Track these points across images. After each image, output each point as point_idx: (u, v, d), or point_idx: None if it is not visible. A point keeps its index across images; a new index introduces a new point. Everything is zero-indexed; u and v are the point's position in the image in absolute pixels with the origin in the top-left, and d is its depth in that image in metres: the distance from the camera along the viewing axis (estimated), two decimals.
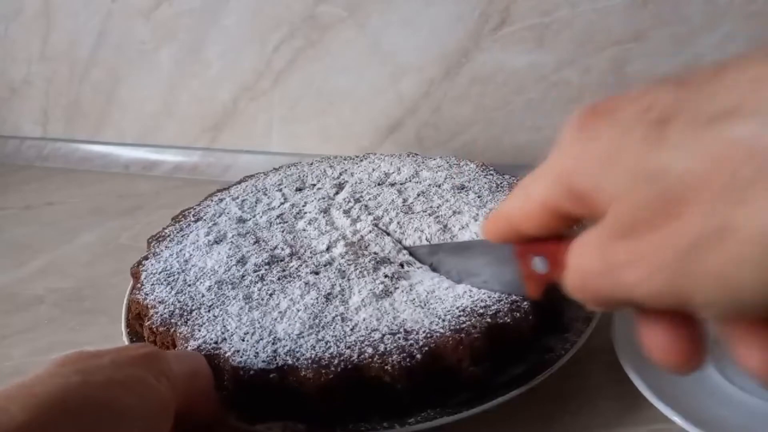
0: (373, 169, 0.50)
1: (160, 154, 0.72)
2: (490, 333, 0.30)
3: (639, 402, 0.31)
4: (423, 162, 0.50)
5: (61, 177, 0.74)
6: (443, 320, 0.31)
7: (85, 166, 0.76)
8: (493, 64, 0.55)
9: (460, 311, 0.31)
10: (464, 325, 0.30)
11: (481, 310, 0.31)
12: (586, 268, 0.19)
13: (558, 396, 0.33)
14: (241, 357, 0.30)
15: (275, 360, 0.29)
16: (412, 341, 0.30)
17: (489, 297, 0.32)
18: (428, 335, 0.30)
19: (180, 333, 0.32)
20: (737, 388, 0.31)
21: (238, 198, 0.47)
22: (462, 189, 0.45)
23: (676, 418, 0.28)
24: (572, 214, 0.20)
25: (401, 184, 0.47)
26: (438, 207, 0.42)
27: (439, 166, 0.49)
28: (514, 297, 0.32)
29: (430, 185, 0.46)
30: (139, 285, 0.38)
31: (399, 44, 0.57)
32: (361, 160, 0.52)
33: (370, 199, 0.45)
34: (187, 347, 0.31)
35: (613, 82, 0.51)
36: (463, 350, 0.29)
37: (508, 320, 0.31)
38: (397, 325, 0.31)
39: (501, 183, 0.45)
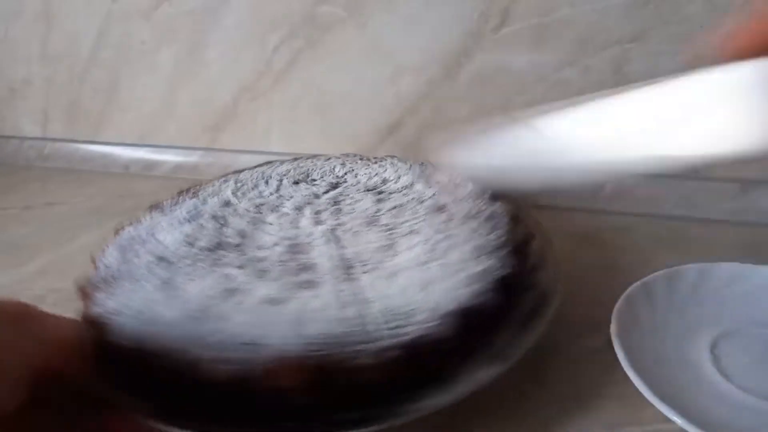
0: (376, 174, 0.49)
1: (160, 154, 0.72)
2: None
3: (639, 402, 0.31)
4: (428, 174, 0.47)
5: (61, 177, 0.74)
6: (304, 341, 0.28)
7: (85, 166, 0.76)
8: (493, 64, 0.55)
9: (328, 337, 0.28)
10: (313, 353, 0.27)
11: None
12: None
13: (557, 396, 0.33)
14: (122, 333, 0.29)
15: (145, 342, 0.28)
16: (255, 355, 0.27)
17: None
18: (278, 352, 0.27)
19: (95, 296, 0.32)
20: (737, 388, 0.31)
21: (239, 182, 0.47)
22: (440, 210, 0.41)
23: (676, 418, 0.28)
24: None
25: (389, 193, 0.45)
26: (402, 223, 0.39)
27: (438, 182, 0.45)
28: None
29: (413, 199, 0.43)
30: (107, 246, 0.38)
31: (399, 44, 0.57)
32: (374, 163, 0.51)
33: (348, 204, 0.43)
34: (89, 311, 0.31)
35: (613, 81, 0.51)
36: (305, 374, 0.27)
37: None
38: (263, 336, 0.28)
39: (481, 211, 0.40)
